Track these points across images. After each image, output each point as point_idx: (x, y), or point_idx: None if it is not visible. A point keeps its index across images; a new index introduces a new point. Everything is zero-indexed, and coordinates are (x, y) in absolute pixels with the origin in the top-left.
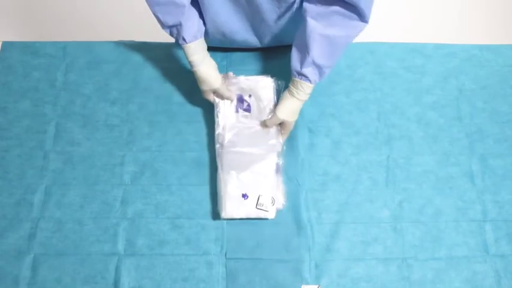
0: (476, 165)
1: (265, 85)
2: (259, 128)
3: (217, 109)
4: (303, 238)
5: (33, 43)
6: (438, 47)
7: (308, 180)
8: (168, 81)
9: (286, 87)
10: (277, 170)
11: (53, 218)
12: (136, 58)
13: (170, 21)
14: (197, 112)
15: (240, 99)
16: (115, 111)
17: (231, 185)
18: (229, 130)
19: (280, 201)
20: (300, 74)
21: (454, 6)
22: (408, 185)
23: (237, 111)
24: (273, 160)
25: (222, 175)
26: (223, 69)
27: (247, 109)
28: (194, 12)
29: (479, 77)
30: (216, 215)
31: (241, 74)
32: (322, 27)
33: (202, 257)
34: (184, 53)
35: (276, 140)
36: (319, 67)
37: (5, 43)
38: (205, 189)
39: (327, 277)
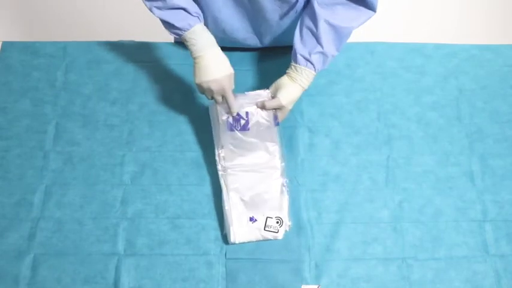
0: (476, 165)
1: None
2: (260, 148)
3: (214, 127)
4: (303, 238)
5: (33, 43)
6: (438, 47)
7: (308, 180)
8: (168, 81)
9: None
10: (282, 191)
11: (53, 218)
12: (137, 58)
13: (172, 3)
14: (197, 112)
15: (237, 119)
16: (115, 111)
17: (237, 210)
18: (227, 149)
19: (287, 223)
20: (307, 61)
21: (454, 6)
22: (408, 185)
23: (232, 129)
24: (278, 180)
25: (227, 198)
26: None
27: (245, 127)
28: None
29: (479, 77)
30: (213, 215)
31: (241, 74)
32: (329, 15)
33: (202, 257)
34: (189, 44)
35: (274, 145)
36: (325, 55)
37: (5, 43)
38: (205, 189)
39: (327, 277)
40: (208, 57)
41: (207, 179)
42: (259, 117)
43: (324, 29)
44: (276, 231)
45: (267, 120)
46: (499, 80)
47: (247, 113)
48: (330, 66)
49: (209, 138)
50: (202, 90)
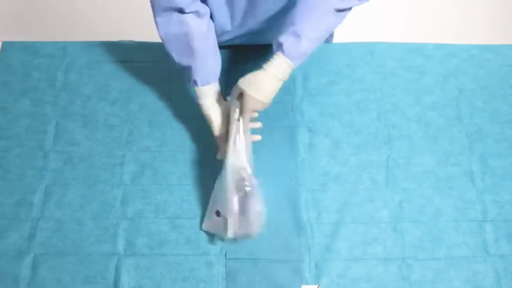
0: (476, 165)
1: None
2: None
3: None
4: (303, 238)
5: (33, 43)
6: (438, 47)
7: (308, 180)
8: (168, 81)
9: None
10: (250, 194)
11: (53, 218)
12: (137, 58)
13: (183, 61)
14: (197, 112)
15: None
16: (115, 111)
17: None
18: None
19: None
20: (277, 44)
21: (454, 6)
22: (408, 185)
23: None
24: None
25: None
26: (222, 70)
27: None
28: (210, 55)
29: (479, 77)
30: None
31: (241, 74)
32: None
33: (202, 257)
34: (195, 92)
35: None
36: (298, 36)
37: (5, 43)
38: (205, 190)
39: (327, 277)
40: (207, 117)
41: (207, 179)
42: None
43: (299, 8)
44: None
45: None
46: (499, 80)
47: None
48: (330, 66)
49: (209, 138)
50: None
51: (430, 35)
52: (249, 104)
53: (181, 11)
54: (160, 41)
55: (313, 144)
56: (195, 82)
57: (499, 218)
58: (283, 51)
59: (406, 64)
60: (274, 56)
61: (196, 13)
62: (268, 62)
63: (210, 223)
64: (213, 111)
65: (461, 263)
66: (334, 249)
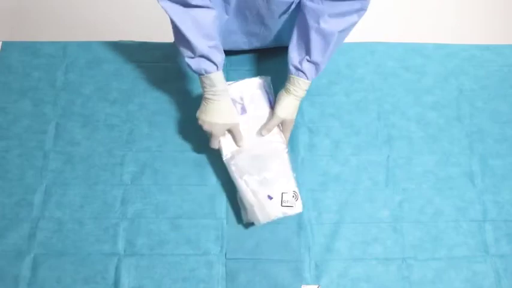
0: (476, 165)
1: (253, 85)
2: (260, 126)
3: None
4: (303, 238)
5: (33, 43)
6: (438, 47)
7: (308, 180)
8: (168, 81)
9: (282, 85)
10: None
11: (53, 218)
12: (137, 58)
13: (199, 51)
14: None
15: (233, 104)
16: (115, 111)
17: (255, 190)
18: (230, 136)
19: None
20: (298, 70)
21: (454, 6)
22: (408, 185)
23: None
24: (285, 156)
25: (241, 183)
26: (223, 69)
27: (243, 110)
28: (219, 42)
29: (479, 77)
30: (213, 215)
31: (241, 74)
32: (318, 23)
33: (202, 257)
34: (204, 85)
35: (279, 138)
36: (316, 64)
37: (5, 43)
38: (206, 189)
39: (327, 277)
40: (221, 105)
41: (207, 179)
42: (253, 103)
43: (313, 38)
44: (292, 205)
45: (265, 106)
46: (499, 80)
47: (241, 98)
48: (330, 66)
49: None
50: (201, 127)
51: (430, 35)
52: (290, 128)
53: (186, 4)
54: (160, 41)
55: (313, 144)
56: (210, 69)
57: (499, 218)
58: (307, 77)
59: (406, 64)
60: (296, 79)
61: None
62: (293, 87)
63: (264, 211)
64: (226, 97)
65: (461, 263)
66: (334, 249)
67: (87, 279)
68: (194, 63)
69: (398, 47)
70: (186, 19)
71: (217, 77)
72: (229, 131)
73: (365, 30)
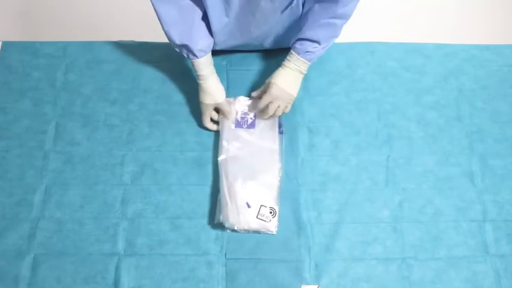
0: (476, 165)
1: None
2: (262, 145)
3: (222, 123)
4: (303, 238)
5: (33, 43)
6: (438, 47)
7: (308, 180)
8: (168, 81)
9: None
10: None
11: (53, 218)
12: (137, 58)
13: (181, 39)
14: (197, 112)
15: (244, 117)
16: (115, 111)
17: (236, 194)
18: (232, 143)
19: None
20: (294, 45)
21: (454, 6)
22: (408, 185)
23: (241, 127)
24: (276, 172)
25: (226, 184)
26: (223, 69)
27: (252, 125)
28: (204, 28)
29: (479, 77)
30: (213, 215)
31: (241, 74)
32: (325, 15)
33: (202, 257)
34: (193, 67)
35: (275, 145)
36: (315, 42)
37: (5, 43)
38: (205, 189)
39: (327, 277)
40: (207, 87)
41: (207, 179)
42: (263, 122)
43: (318, 26)
44: (267, 220)
45: (271, 126)
46: (499, 80)
47: (254, 114)
48: (330, 66)
49: (209, 138)
50: (203, 107)
51: (430, 35)
52: (286, 103)
53: None
54: (160, 41)
55: (313, 144)
56: (195, 55)
57: (499, 218)
58: (302, 54)
59: (406, 64)
60: (291, 53)
61: None
62: (287, 61)
63: (235, 215)
64: (211, 79)
65: (461, 263)
66: (334, 249)
67: (87, 279)
68: (178, 50)
69: (398, 47)
70: (167, 12)
71: (199, 63)
72: (219, 109)
73: (365, 30)
